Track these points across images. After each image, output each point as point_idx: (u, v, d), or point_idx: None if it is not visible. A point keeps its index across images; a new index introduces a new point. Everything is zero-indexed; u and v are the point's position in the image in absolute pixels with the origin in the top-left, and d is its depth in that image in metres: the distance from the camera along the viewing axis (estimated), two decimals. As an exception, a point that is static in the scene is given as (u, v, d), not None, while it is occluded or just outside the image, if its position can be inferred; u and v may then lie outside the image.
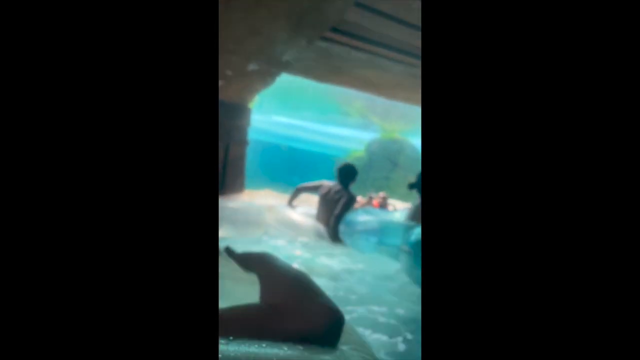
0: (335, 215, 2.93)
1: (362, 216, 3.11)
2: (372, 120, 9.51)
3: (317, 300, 0.51)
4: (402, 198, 7.74)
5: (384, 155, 8.62)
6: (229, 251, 0.57)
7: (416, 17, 2.47)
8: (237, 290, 0.55)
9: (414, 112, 8.79)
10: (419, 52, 2.82)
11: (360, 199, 4.60)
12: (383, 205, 4.41)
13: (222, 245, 0.57)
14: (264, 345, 0.40)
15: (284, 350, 0.41)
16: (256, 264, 0.54)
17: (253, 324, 0.44)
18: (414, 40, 2.68)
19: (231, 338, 0.39)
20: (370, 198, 4.39)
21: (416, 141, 9.14)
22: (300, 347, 0.42)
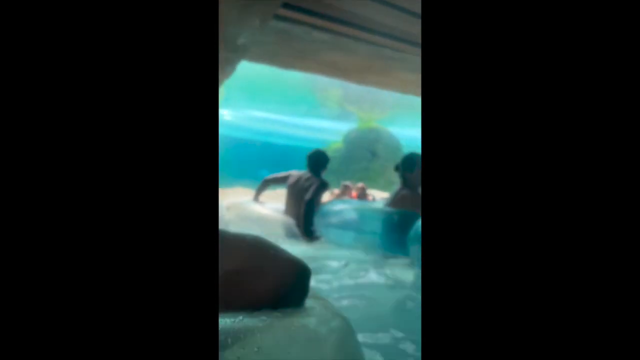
0: (305, 200, 2.59)
1: (338, 206, 2.85)
2: (349, 109, 9.32)
3: (281, 257, 0.52)
4: (383, 188, 7.59)
5: (362, 146, 8.44)
6: None
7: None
8: None
9: (390, 99, 8.61)
10: (387, 30, 2.60)
11: (336, 191, 4.40)
12: (362, 196, 4.21)
13: None
14: (240, 318, 0.42)
15: (262, 320, 0.42)
16: None
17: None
18: (381, 17, 2.46)
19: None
20: (346, 188, 4.18)
21: (394, 129, 9.00)
22: (277, 313, 0.44)
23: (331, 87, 8.71)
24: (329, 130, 9.86)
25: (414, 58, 3.11)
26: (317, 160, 2.89)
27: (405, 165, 2.71)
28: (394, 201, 2.63)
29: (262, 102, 9.32)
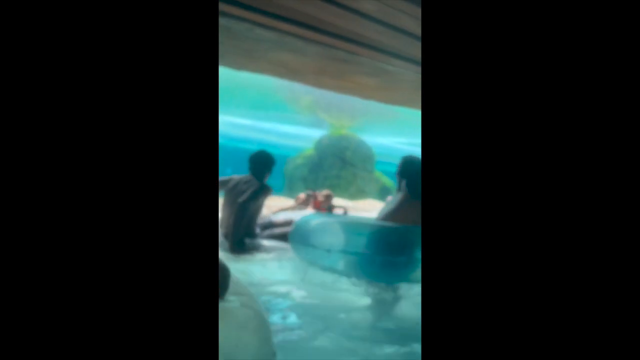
0: (238, 203, 2.12)
1: (316, 217, 2.42)
2: (320, 116, 9.18)
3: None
4: (352, 197, 7.45)
5: (334, 153, 8.30)
6: None
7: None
8: None
9: (360, 106, 8.54)
10: (336, 31, 2.45)
11: (302, 195, 4.05)
12: (326, 206, 3.92)
13: None
14: None
15: None
16: None
17: None
18: (328, 16, 2.31)
19: None
20: (309, 196, 3.90)
21: (365, 136, 8.91)
22: None
23: (302, 93, 8.55)
24: (300, 136, 9.70)
25: (371, 62, 2.98)
26: (260, 162, 2.52)
27: (410, 169, 2.25)
28: (399, 212, 2.13)
29: (232, 107, 9.09)
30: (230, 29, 2.40)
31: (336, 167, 8.19)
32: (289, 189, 7.76)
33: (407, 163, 2.38)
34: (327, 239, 2.03)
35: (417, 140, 9.80)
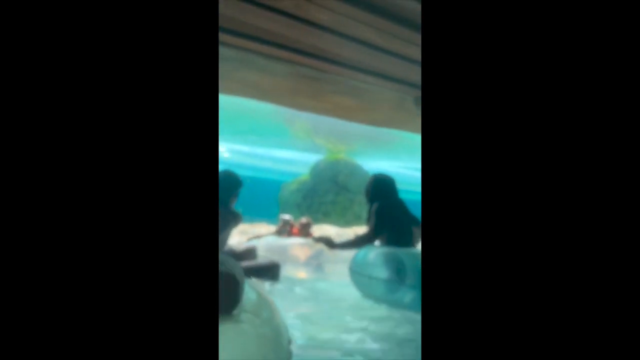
0: None
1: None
2: (317, 142, 9.08)
3: (221, 269, 0.57)
4: (349, 223, 7.21)
5: (330, 178, 8.13)
6: None
7: (286, 4, 1.99)
8: None
9: (357, 130, 8.41)
10: (304, 47, 2.34)
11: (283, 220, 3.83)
12: (305, 234, 3.70)
13: None
14: None
15: None
16: None
17: None
18: (292, 32, 2.19)
19: None
20: (285, 224, 3.69)
21: (362, 161, 8.74)
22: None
23: (299, 119, 8.50)
24: (298, 161, 9.58)
25: (346, 80, 2.85)
26: (222, 186, 2.17)
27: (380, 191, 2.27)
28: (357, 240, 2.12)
29: (227, 134, 9.08)
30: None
31: (332, 193, 8.00)
32: (283, 216, 7.56)
33: (371, 183, 2.23)
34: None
35: (416, 164, 9.60)
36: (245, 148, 9.58)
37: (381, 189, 2.43)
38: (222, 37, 2.23)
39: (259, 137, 8.97)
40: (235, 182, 2.36)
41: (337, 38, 2.20)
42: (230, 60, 2.45)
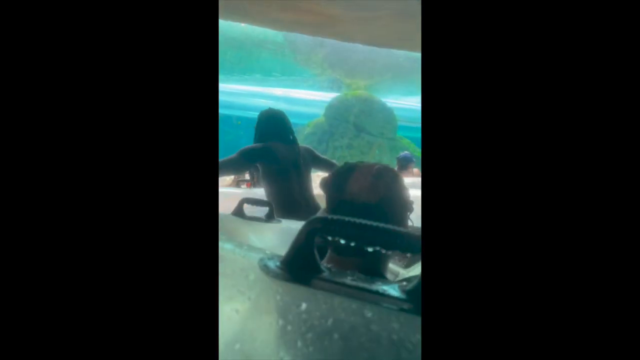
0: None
1: None
2: (334, 75, 8.07)
3: None
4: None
5: (346, 118, 7.26)
6: None
7: None
8: None
9: (380, 60, 7.21)
10: None
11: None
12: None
13: None
14: None
15: None
16: None
17: None
18: None
19: None
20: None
21: (386, 97, 7.71)
22: None
23: (314, 51, 7.47)
24: (314, 102, 8.71)
25: None
26: (282, 122, 1.90)
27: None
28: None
29: (236, 73, 8.28)
30: None
31: (348, 136, 7.17)
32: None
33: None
34: None
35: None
36: (258, 89, 8.83)
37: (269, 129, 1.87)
38: None
39: (272, 75, 8.14)
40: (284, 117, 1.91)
41: None
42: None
